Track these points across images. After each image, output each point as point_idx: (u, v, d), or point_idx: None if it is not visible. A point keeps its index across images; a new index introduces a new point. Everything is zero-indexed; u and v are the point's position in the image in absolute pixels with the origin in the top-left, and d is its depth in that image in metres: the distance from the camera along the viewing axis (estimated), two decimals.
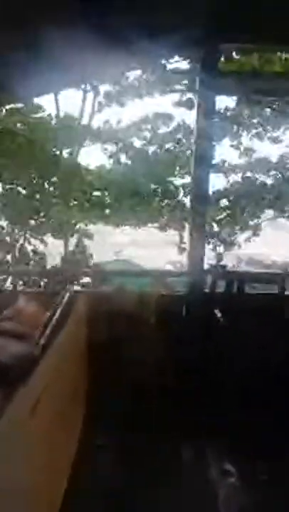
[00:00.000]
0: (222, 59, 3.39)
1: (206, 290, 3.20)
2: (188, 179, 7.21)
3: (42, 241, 6.76)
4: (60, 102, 7.11)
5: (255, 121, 7.99)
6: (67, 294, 2.78)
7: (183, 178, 7.48)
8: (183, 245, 7.04)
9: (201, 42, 2.93)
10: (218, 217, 7.63)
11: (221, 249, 7.56)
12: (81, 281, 3.67)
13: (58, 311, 2.56)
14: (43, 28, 2.30)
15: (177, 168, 7.48)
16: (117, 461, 2.52)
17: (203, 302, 3.13)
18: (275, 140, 8.00)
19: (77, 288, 3.22)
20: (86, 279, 3.72)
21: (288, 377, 3.01)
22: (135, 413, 2.80)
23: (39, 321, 2.59)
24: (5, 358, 2.01)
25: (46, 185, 6.76)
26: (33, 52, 2.50)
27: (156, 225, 7.34)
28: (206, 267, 3.24)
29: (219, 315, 3.02)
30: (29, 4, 2.16)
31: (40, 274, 5.06)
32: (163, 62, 5.11)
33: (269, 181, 7.96)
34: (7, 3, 2.04)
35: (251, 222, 7.90)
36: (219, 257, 6.92)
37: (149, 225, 7.30)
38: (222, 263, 3.37)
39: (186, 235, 5.33)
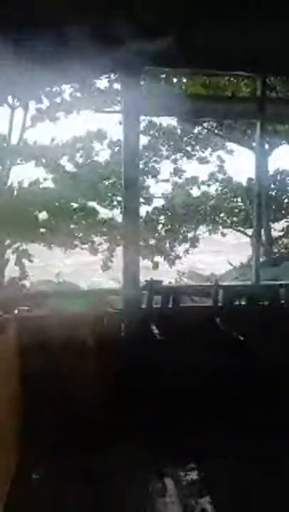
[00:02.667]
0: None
1: (143, 306, 3.20)
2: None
3: None
4: None
5: (185, 139, 8.39)
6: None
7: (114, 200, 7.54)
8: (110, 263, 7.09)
9: (127, 63, 3.00)
10: (156, 234, 7.80)
11: (161, 264, 7.71)
12: (18, 307, 3.48)
13: None
14: None
15: (110, 186, 7.55)
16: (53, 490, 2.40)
17: (140, 318, 3.12)
18: (203, 160, 8.49)
19: (7, 315, 3.04)
20: (23, 304, 3.54)
21: (223, 386, 3.09)
22: (74, 442, 2.69)
23: None
24: None
25: None
26: None
27: (90, 244, 7.31)
28: (143, 281, 3.26)
29: (156, 330, 3.03)
30: None
31: None
32: (93, 81, 5.19)
33: (202, 198, 8.36)
34: None
35: (190, 234, 8.18)
36: (155, 272, 7.04)
37: (84, 246, 7.25)
38: (157, 278, 3.40)
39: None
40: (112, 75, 3.45)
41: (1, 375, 2.48)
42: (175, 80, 4.83)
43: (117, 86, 4.85)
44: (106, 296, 3.62)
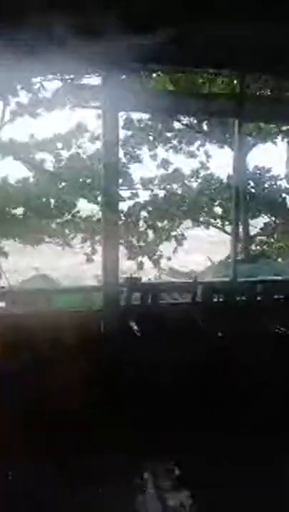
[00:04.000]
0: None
1: (122, 303, 3.20)
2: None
3: None
4: None
5: (168, 135, 8.38)
6: None
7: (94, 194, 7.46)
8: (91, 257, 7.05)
9: (109, 59, 2.98)
10: (139, 229, 7.76)
11: (141, 262, 7.68)
12: None
13: None
14: None
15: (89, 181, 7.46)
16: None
17: (119, 316, 3.12)
18: (191, 154, 8.48)
19: None
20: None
21: (202, 383, 3.12)
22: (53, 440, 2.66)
23: None
24: None
25: None
26: None
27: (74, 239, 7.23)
28: (123, 279, 3.25)
29: (135, 327, 3.04)
30: None
31: None
32: (73, 76, 5.11)
33: (184, 193, 8.38)
34: None
35: (172, 233, 8.18)
36: (136, 270, 7.03)
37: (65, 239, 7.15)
38: (136, 275, 3.40)
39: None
40: (92, 71, 3.41)
41: None
42: (153, 76, 4.83)
43: (96, 82, 4.81)
44: (86, 294, 3.59)
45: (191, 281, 3.56)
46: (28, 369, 2.91)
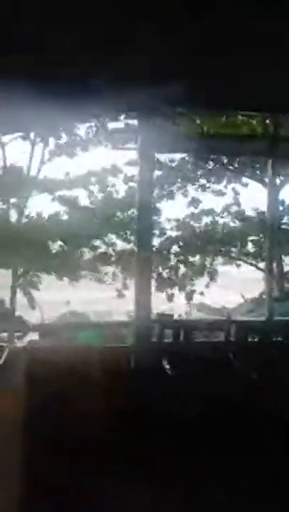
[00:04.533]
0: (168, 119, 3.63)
1: (154, 340, 3.16)
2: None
3: None
4: (6, 152, 7.17)
5: (199, 173, 8.55)
6: (5, 352, 2.61)
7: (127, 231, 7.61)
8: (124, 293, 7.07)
9: (144, 103, 3.13)
10: (169, 264, 7.79)
11: (173, 296, 7.63)
12: (27, 337, 3.48)
13: None
14: None
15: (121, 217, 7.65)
16: None
17: (151, 353, 3.07)
18: (218, 193, 8.59)
19: (19, 345, 3.03)
20: (33, 335, 3.54)
21: (237, 425, 2.96)
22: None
23: None
24: None
25: None
26: None
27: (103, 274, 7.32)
28: (155, 315, 3.23)
29: (167, 366, 2.97)
30: None
31: None
32: (109, 119, 5.41)
33: (215, 230, 8.39)
34: None
35: (205, 268, 8.14)
36: (168, 305, 6.97)
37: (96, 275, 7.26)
38: (169, 311, 3.37)
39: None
40: (128, 115, 3.60)
41: (7, 411, 2.44)
42: (190, 118, 5.00)
43: (132, 124, 5.06)
44: (117, 329, 3.59)
45: (224, 318, 3.47)
46: (57, 402, 2.89)
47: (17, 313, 5.69)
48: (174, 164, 8.33)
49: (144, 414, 2.89)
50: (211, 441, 2.81)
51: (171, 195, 8.33)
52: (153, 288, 3.43)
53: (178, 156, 8.06)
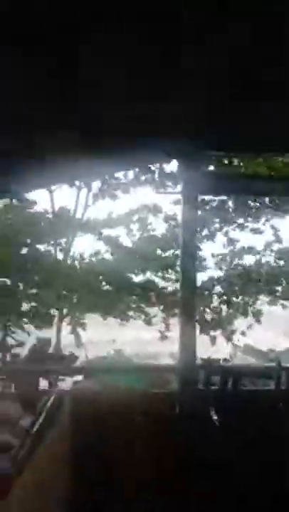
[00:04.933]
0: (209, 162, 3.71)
1: (200, 386, 3.04)
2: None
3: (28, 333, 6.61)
4: (54, 196, 7.62)
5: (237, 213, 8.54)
6: (53, 396, 2.62)
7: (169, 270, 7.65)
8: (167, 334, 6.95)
9: (187, 147, 3.23)
10: (211, 305, 7.64)
11: (216, 338, 7.42)
12: (73, 378, 3.49)
13: (42, 416, 2.40)
14: (38, 135, 2.53)
15: (164, 258, 7.73)
16: None
17: (196, 400, 2.94)
18: (256, 231, 8.47)
19: (65, 387, 3.04)
20: (78, 376, 3.54)
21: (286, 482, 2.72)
22: None
23: (22, 429, 2.41)
24: None
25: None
26: (30, 155, 2.73)
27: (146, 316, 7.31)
28: (200, 359, 3.14)
29: (214, 415, 2.82)
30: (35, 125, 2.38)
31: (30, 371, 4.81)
32: (151, 164, 5.62)
33: (257, 268, 8.19)
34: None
35: (248, 308, 7.90)
36: (211, 347, 6.75)
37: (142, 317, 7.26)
38: (215, 356, 3.26)
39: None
40: (171, 159, 3.74)
41: (54, 453, 2.42)
42: (231, 160, 5.10)
43: (173, 168, 5.25)
44: (162, 373, 3.51)
45: (273, 365, 3.29)
46: (100, 444, 2.82)
47: (66, 353, 5.75)
48: (214, 204, 8.41)
49: (189, 460, 2.75)
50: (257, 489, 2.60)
51: (211, 236, 8.34)
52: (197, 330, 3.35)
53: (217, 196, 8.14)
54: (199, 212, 8.34)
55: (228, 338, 7.56)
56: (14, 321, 6.63)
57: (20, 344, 6.29)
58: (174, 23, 1.59)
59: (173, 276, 7.63)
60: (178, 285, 7.41)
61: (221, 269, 8.12)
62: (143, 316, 7.32)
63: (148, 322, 7.33)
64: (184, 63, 2.14)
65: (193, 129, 3.02)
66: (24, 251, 6.61)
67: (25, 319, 6.73)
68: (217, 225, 8.34)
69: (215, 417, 2.80)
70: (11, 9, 1.31)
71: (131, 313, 7.24)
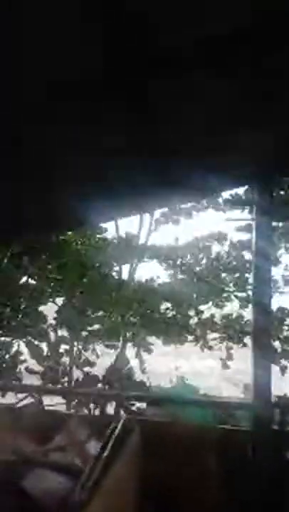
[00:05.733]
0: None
1: (275, 427, 2.82)
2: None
3: (96, 355, 6.73)
4: (120, 223, 7.85)
5: None
6: (121, 422, 2.60)
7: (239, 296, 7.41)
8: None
9: (258, 176, 3.17)
10: (283, 335, 7.20)
11: (286, 368, 6.92)
12: (137, 405, 3.45)
13: (111, 442, 2.38)
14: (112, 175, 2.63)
15: (233, 287, 7.51)
16: None
17: (271, 441, 2.73)
18: None
19: (131, 415, 3.00)
20: (142, 404, 3.49)
21: None
22: None
23: (90, 453, 2.41)
24: (48, 502, 1.85)
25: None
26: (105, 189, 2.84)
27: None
28: (274, 397, 2.92)
29: None
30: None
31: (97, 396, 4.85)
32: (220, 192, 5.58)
33: None
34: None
35: None
36: (282, 380, 6.30)
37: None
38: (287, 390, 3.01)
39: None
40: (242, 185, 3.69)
41: (123, 482, 2.36)
42: None
43: (243, 194, 5.17)
44: (230, 409, 3.32)
45: None
46: (167, 481, 2.71)
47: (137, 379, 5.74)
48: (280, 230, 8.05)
49: (263, 506, 2.53)
50: None
51: (277, 260, 7.96)
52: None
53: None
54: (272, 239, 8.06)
55: None
56: (84, 341, 6.82)
57: (92, 364, 6.41)
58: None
59: (238, 303, 7.36)
60: (245, 312, 7.14)
61: None
62: (208, 343, 7.12)
63: (209, 348, 7.09)
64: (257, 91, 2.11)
65: (265, 154, 2.96)
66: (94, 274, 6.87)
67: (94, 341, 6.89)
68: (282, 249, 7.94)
69: None
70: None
71: (194, 339, 7.08)
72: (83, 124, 1.70)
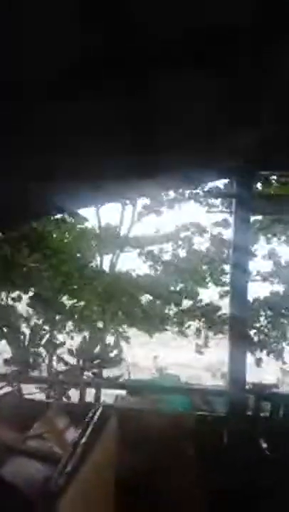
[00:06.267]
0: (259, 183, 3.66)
1: (249, 413, 2.92)
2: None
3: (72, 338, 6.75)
4: (101, 213, 7.82)
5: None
6: (99, 410, 2.63)
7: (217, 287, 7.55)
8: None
9: (237, 170, 3.21)
10: (258, 325, 7.39)
11: (261, 360, 7.13)
12: (116, 392, 3.50)
13: (89, 430, 2.40)
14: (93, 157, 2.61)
15: (209, 278, 7.64)
16: None
17: (245, 427, 2.83)
18: None
19: (109, 403, 3.05)
20: (121, 391, 3.54)
21: None
22: None
23: (68, 440, 2.43)
24: (27, 489, 1.86)
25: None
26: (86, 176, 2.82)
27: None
28: (249, 383, 3.02)
29: (264, 445, 2.69)
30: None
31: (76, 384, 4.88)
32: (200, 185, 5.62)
33: None
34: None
35: None
36: (256, 369, 6.49)
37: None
38: (265, 381, 3.12)
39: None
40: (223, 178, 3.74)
41: (100, 468, 2.41)
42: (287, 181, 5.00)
43: (223, 186, 5.23)
44: (206, 395, 3.41)
45: None
46: (144, 467, 2.78)
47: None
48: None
49: (238, 493, 2.63)
50: None
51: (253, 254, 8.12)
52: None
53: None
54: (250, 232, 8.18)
55: (275, 359, 7.25)
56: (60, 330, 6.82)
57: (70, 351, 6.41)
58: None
59: (217, 292, 7.51)
60: (223, 301, 7.28)
61: (266, 286, 7.86)
62: (185, 332, 7.24)
63: (188, 338, 7.22)
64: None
65: (249, 150, 3.00)
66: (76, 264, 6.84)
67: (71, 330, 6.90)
68: (260, 244, 8.10)
69: (265, 446, 2.67)
70: None
71: (172, 328, 7.19)
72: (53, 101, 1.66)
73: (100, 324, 6.84)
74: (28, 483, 1.84)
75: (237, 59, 1.59)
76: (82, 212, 7.20)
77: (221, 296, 7.56)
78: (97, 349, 6.18)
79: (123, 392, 3.68)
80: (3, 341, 6.49)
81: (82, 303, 6.73)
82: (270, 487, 2.60)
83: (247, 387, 2.94)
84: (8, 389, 3.64)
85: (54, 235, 6.78)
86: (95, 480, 2.31)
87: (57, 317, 6.87)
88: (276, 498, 2.58)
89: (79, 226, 7.27)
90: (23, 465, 2.07)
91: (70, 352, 6.11)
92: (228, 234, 7.19)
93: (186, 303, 7.61)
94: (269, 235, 8.06)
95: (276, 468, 2.63)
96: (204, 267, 7.71)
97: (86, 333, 6.70)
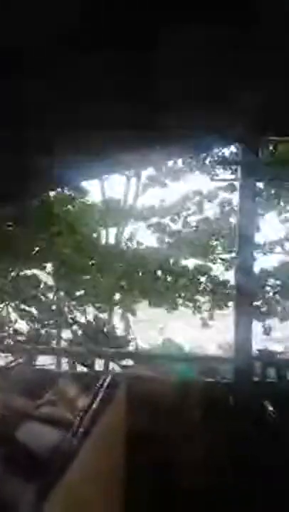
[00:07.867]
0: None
1: (256, 379, 2.97)
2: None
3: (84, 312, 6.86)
4: (105, 186, 7.72)
5: None
6: (109, 378, 2.70)
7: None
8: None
9: (244, 135, 3.11)
10: (266, 296, 7.38)
11: (270, 329, 7.19)
12: (123, 362, 3.58)
13: (99, 396, 2.48)
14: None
15: (219, 247, 7.58)
16: None
17: (251, 392, 2.89)
18: None
19: (118, 371, 3.12)
20: (129, 361, 3.62)
21: None
22: None
23: (79, 407, 2.51)
24: (41, 450, 1.94)
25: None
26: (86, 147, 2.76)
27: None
28: (255, 350, 3.06)
29: (270, 408, 2.75)
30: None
31: (83, 354, 5.00)
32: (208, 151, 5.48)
33: None
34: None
35: None
36: (269, 340, 6.56)
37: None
38: (272, 348, 3.16)
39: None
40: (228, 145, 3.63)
41: (111, 431, 2.50)
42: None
43: (229, 154, 5.10)
44: (214, 363, 3.47)
45: None
46: (155, 434, 2.88)
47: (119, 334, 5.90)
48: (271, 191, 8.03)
49: (243, 460, 2.72)
50: None
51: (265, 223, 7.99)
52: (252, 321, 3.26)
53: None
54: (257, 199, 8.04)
55: (282, 328, 7.30)
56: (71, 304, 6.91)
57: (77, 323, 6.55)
58: None
59: (224, 265, 7.47)
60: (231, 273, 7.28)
61: (273, 256, 7.80)
62: (193, 304, 7.28)
63: (198, 310, 7.26)
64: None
65: (253, 114, 2.89)
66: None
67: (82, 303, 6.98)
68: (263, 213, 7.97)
69: (270, 410, 2.73)
70: None
71: (180, 301, 7.22)
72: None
73: (114, 298, 6.90)
74: (41, 445, 1.91)
75: None
76: (86, 186, 7.14)
77: (227, 269, 7.54)
78: (105, 329, 6.27)
79: (131, 361, 3.77)
80: (15, 314, 6.63)
81: (97, 278, 6.77)
82: (273, 445, 2.68)
83: (253, 354, 2.99)
84: (20, 360, 3.75)
85: (64, 209, 6.74)
86: (106, 440, 2.41)
87: (76, 293, 6.94)
88: (282, 461, 2.66)
89: (84, 200, 7.21)
90: (36, 429, 2.16)
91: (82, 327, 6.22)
92: (235, 203, 7.09)
93: (194, 275, 7.61)
94: (282, 203, 7.92)
95: (281, 429, 2.70)
96: (213, 239, 7.65)
97: (96, 311, 6.80)
